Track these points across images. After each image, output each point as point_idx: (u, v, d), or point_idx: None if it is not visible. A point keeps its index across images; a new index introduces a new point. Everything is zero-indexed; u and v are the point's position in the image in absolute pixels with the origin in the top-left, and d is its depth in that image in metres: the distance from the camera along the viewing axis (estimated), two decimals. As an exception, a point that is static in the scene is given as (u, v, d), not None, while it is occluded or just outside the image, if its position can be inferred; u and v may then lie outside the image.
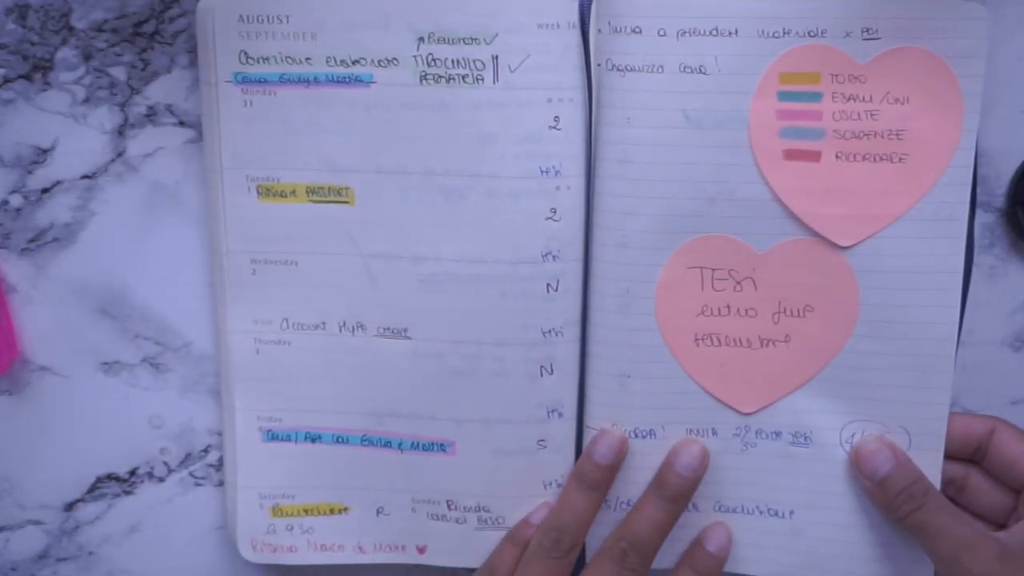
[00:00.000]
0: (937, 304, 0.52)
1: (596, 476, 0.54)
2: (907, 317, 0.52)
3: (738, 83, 0.50)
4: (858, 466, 0.53)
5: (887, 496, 0.52)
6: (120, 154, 0.55)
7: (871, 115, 0.50)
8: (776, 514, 0.55)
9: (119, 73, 0.54)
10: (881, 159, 0.51)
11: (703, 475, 0.54)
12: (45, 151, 0.55)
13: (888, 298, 0.52)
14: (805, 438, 0.54)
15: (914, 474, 0.52)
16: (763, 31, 0.50)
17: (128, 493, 0.59)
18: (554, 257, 0.53)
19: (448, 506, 0.56)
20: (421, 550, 0.57)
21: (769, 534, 0.55)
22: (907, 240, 0.51)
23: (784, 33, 0.50)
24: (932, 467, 0.53)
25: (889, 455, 0.53)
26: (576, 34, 0.51)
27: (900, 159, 0.50)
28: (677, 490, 0.53)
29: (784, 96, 0.51)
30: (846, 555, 0.55)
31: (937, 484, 0.53)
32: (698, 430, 0.54)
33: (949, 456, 0.54)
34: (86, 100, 0.54)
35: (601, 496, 0.54)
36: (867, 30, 0.49)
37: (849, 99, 0.50)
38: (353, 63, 0.52)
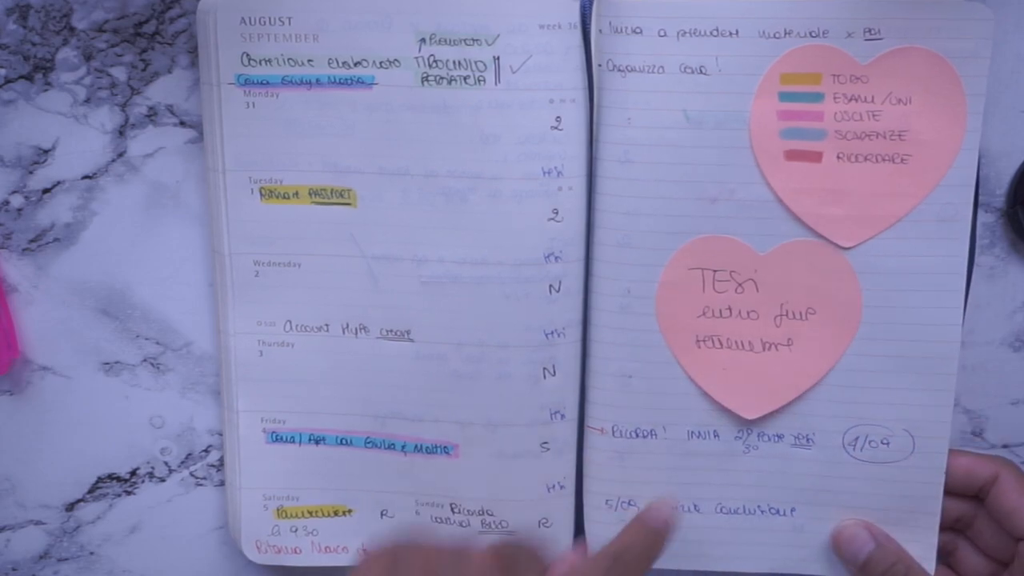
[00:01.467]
0: (940, 305, 0.52)
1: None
2: (910, 319, 0.52)
3: (739, 83, 0.50)
4: (838, 550, 0.54)
5: None
6: (121, 154, 0.55)
7: (873, 116, 0.50)
8: (777, 512, 0.55)
9: (120, 73, 0.54)
10: (883, 160, 0.51)
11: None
12: (46, 151, 0.55)
13: (891, 300, 0.52)
14: (807, 440, 0.54)
15: (895, 554, 0.53)
16: (764, 31, 0.50)
17: (129, 493, 0.59)
18: (556, 258, 0.53)
19: (451, 509, 0.56)
20: (425, 553, 0.57)
21: (770, 531, 0.55)
22: (910, 241, 0.51)
23: (785, 33, 0.50)
24: (935, 471, 0.53)
25: (867, 537, 0.53)
26: (577, 35, 0.51)
27: (902, 160, 0.50)
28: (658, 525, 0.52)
29: (785, 97, 0.50)
30: (846, 554, 0.55)
31: (939, 493, 0.54)
32: (699, 432, 0.54)
33: (957, 493, 0.54)
34: (87, 100, 0.54)
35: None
36: (869, 30, 0.49)
37: (851, 99, 0.50)
38: (355, 64, 0.52)
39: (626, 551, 0.49)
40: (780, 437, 0.54)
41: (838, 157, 0.51)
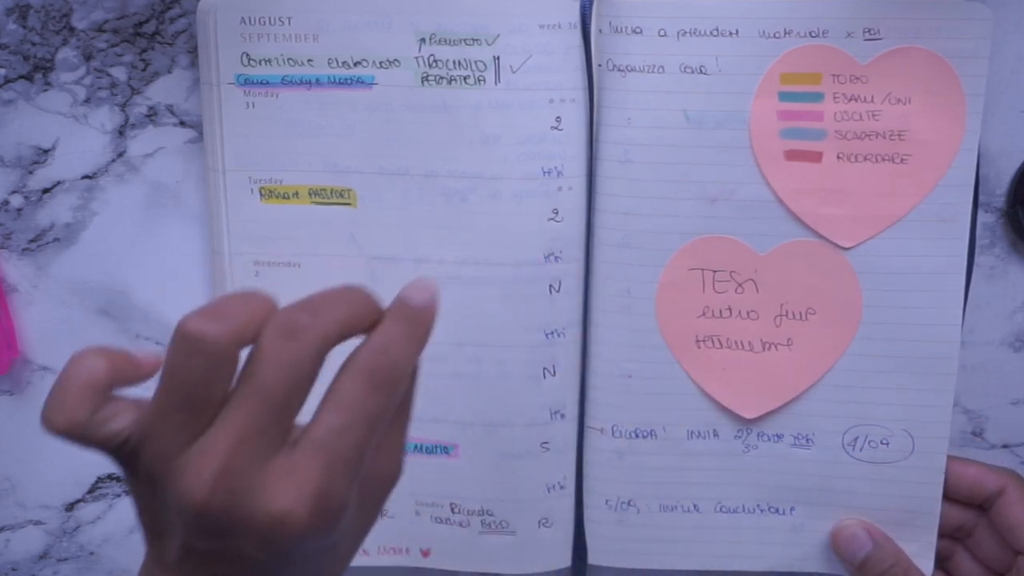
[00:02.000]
0: (939, 305, 0.52)
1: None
2: (909, 319, 0.52)
3: (739, 83, 0.50)
4: (837, 550, 0.54)
5: None
6: (121, 154, 0.55)
7: (873, 116, 0.50)
8: (777, 511, 0.55)
9: (120, 73, 0.54)
10: (883, 160, 0.51)
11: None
12: (46, 151, 0.55)
13: (890, 300, 0.52)
14: (807, 440, 0.54)
15: (893, 555, 0.53)
16: (764, 31, 0.50)
17: (129, 493, 0.59)
18: (556, 258, 0.53)
19: (452, 509, 0.56)
20: (425, 553, 0.57)
21: (769, 530, 0.55)
22: (909, 241, 0.51)
23: (785, 33, 0.50)
24: (934, 472, 0.53)
25: (866, 538, 0.53)
26: (577, 35, 0.51)
27: (902, 160, 0.51)
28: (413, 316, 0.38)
29: (785, 96, 0.51)
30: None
31: (938, 494, 0.54)
32: (699, 431, 0.54)
33: (961, 501, 0.54)
34: (87, 100, 0.54)
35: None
36: (869, 30, 0.49)
37: (850, 99, 0.50)
38: (355, 64, 0.52)
39: (384, 352, 0.37)
40: (780, 437, 0.54)
41: (838, 157, 0.51)
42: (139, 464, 0.35)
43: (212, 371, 0.34)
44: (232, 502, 0.33)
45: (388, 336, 0.37)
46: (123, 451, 0.36)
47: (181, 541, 0.35)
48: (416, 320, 0.38)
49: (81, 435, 0.35)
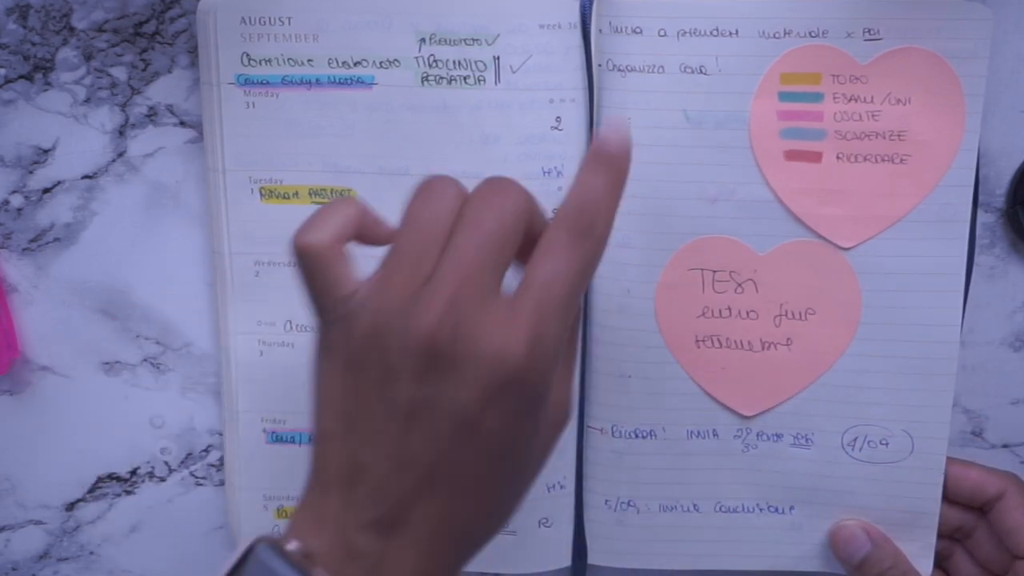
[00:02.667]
0: (939, 306, 0.52)
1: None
2: (909, 319, 0.52)
3: (739, 83, 0.50)
4: (835, 549, 0.54)
5: None
6: (121, 154, 0.55)
7: (872, 116, 0.50)
8: (776, 510, 0.55)
9: (120, 73, 0.54)
10: (882, 160, 0.51)
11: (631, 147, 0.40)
12: (46, 151, 0.55)
13: (890, 300, 0.52)
14: (806, 440, 0.54)
15: (892, 557, 0.53)
16: (764, 31, 0.50)
17: (129, 493, 0.59)
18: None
19: (451, 508, 0.56)
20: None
21: (769, 529, 0.55)
22: (909, 241, 0.51)
23: (785, 33, 0.50)
24: (934, 472, 0.53)
25: (864, 539, 0.54)
26: (577, 35, 0.51)
27: (902, 160, 0.51)
28: (611, 162, 0.39)
29: (785, 97, 0.51)
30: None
31: (937, 495, 0.54)
32: (699, 431, 0.54)
33: (960, 503, 0.54)
34: (87, 100, 0.54)
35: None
36: (869, 30, 0.49)
37: (850, 100, 0.50)
38: (355, 64, 0.52)
39: (587, 199, 0.38)
40: (779, 436, 0.54)
41: (837, 157, 0.51)
42: (359, 322, 0.37)
43: (443, 223, 0.37)
44: (456, 335, 0.35)
45: (587, 186, 0.38)
46: (345, 306, 0.37)
47: (393, 395, 0.36)
48: (612, 165, 0.39)
49: (323, 259, 0.38)
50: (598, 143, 0.39)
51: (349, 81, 0.52)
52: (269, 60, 0.52)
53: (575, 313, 0.39)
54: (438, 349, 0.35)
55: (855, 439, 0.54)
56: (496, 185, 0.38)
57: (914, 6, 0.49)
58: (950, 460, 0.54)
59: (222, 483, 0.58)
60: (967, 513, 0.54)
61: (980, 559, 0.54)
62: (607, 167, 0.39)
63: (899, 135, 0.50)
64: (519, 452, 0.38)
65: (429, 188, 0.38)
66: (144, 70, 0.54)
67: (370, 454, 0.36)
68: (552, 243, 0.37)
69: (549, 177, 0.52)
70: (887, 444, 0.54)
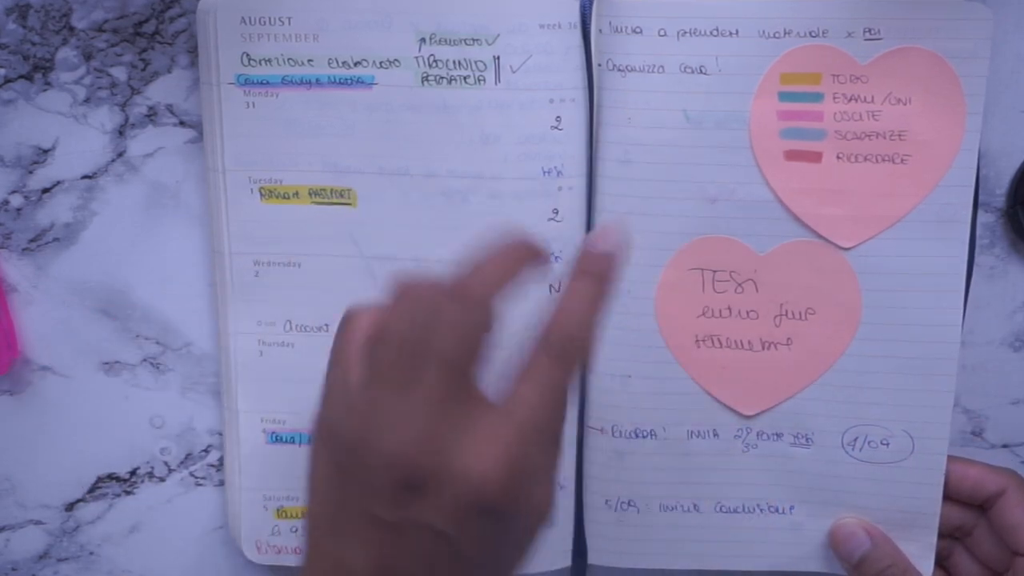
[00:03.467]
0: (939, 306, 0.52)
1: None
2: (909, 319, 0.52)
3: (739, 83, 0.50)
4: (835, 547, 0.54)
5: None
6: (121, 154, 0.55)
7: (873, 116, 0.50)
8: (776, 510, 0.55)
9: (119, 73, 0.54)
10: (883, 160, 0.51)
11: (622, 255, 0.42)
12: (46, 151, 0.55)
13: (890, 300, 0.52)
14: (806, 439, 0.54)
15: (890, 556, 0.53)
16: (764, 31, 0.50)
17: (129, 493, 0.59)
18: (556, 258, 0.53)
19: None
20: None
21: (769, 529, 0.55)
22: (909, 241, 0.51)
23: (785, 33, 0.50)
24: (934, 472, 0.53)
25: (864, 537, 0.53)
26: (577, 34, 0.51)
27: (902, 160, 0.51)
28: (600, 268, 0.41)
29: (785, 96, 0.51)
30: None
31: (938, 495, 0.54)
32: (699, 431, 0.54)
33: (962, 501, 0.54)
34: (87, 100, 0.54)
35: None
36: (869, 30, 0.49)
37: (850, 99, 0.50)
38: (355, 64, 0.52)
39: (567, 324, 0.40)
40: (779, 436, 0.54)
41: (838, 157, 0.51)
42: (346, 431, 0.37)
43: (421, 340, 0.37)
44: (434, 462, 0.36)
45: (571, 306, 0.40)
46: (342, 403, 0.38)
47: (375, 511, 0.36)
48: (598, 274, 0.40)
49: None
50: (586, 246, 0.41)
51: (349, 81, 0.52)
52: (269, 60, 0.52)
53: (560, 426, 0.39)
54: (417, 474, 0.36)
55: (855, 439, 0.54)
56: (460, 288, 0.38)
57: (914, 6, 0.49)
58: (950, 458, 0.54)
59: (222, 483, 0.58)
60: (967, 511, 0.54)
61: (980, 557, 0.54)
62: (592, 279, 0.40)
63: (899, 135, 0.50)
64: (496, 562, 0.39)
65: (405, 297, 0.39)
66: (144, 70, 0.54)
67: (356, 558, 0.37)
68: (534, 366, 0.38)
69: (549, 177, 0.52)
70: (888, 444, 0.53)
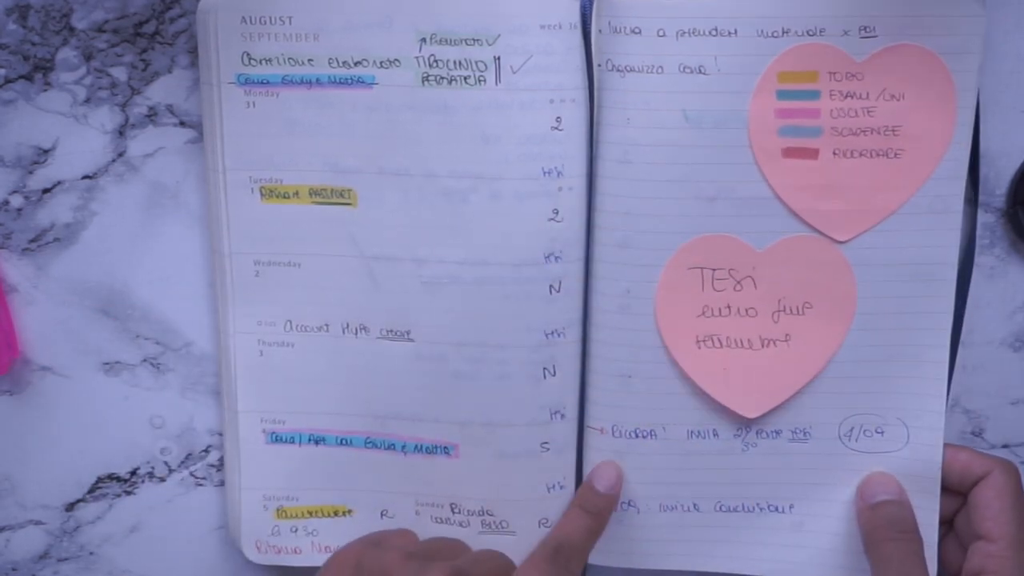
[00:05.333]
0: (932, 295, 0.52)
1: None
2: (903, 308, 0.52)
3: (737, 83, 0.50)
4: (861, 489, 0.54)
5: (874, 521, 0.52)
6: (121, 154, 0.55)
7: (868, 112, 0.50)
8: (776, 509, 0.55)
9: (120, 73, 0.54)
10: (877, 155, 0.51)
11: (619, 493, 0.55)
12: (46, 151, 0.55)
13: (884, 290, 0.52)
14: (804, 434, 0.54)
15: (908, 513, 0.52)
16: (762, 31, 0.50)
17: (129, 493, 0.59)
18: (556, 258, 0.53)
19: (451, 509, 0.56)
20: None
21: (770, 530, 0.55)
22: (903, 233, 0.52)
23: (783, 32, 0.50)
24: (931, 463, 0.53)
25: (896, 488, 0.53)
26: (578, 35, 0.51)
27: (895, 154, 0.51)
28: (596, 506, 0.54)
29: (783, 95, 0.51)
30: (845, 548, 0.55)
31: (936, 489, 0.54)
32: (699, 431, 0.54)
33: (951, 489, 0.54)
34: (87, 100, 0.54)
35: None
36: (865, 28, 0.50)
37: (847, 96, 0.50)
38: (355, 64, 0.52)
39: (566, 539, 0.53)
40: (778, 433, 0.54)
41: (834, 153, 0.51)
42: None
43: None
44: None
45: (571, 527, 0.53)
46: None
47: None
48: (597, 509, 0.54)
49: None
50: (590, 480, 0.54)
51: (349, 81, 0.52)
52: (269, 60, 0.52)
53: None
54: None
55: (851, 429, 0.54)
56: None
57: (908, 3, 0.49)
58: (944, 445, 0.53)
59: (222, 483, 0.58)
60: (958, 498, 0.54)
61: (963, 542, 0.54)
62: (592, 512, 0.53)
63: (893, 130, 0.50)
64: None
65: None
66: (144, 70, 0.54)
67: None
68: (531, 571, 0.50)
69: (549, 177, 0.52)
70: (882, 433, 0.54)
